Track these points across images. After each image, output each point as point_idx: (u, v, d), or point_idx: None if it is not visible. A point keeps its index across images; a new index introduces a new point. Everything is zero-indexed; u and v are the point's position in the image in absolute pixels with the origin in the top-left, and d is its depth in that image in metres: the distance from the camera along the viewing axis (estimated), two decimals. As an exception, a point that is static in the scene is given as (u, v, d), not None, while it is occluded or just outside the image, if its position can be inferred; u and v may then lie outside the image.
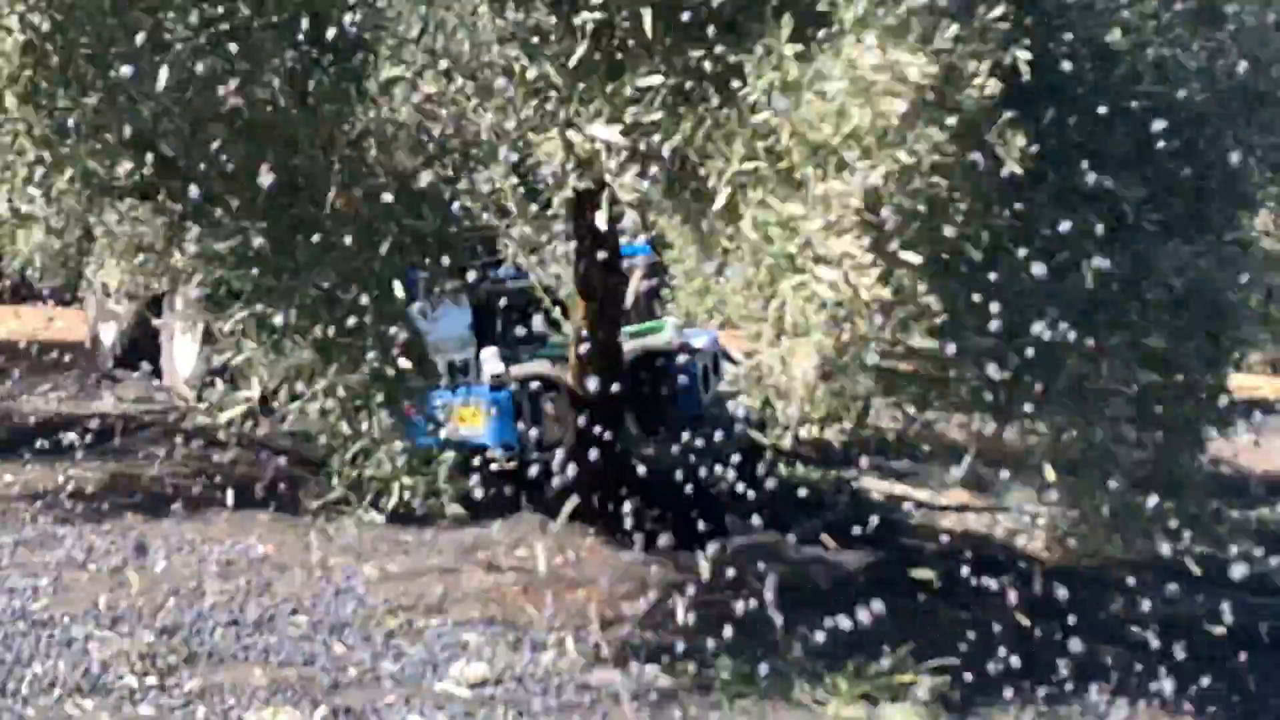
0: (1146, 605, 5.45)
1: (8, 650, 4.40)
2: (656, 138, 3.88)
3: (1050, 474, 4.48)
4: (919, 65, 3.10)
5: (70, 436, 7.09)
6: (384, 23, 4.65)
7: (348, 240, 4.44)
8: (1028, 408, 4.22)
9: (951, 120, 3.18)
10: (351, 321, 4.45)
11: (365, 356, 4.47)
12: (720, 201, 3.67)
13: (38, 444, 7.12)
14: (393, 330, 4.55)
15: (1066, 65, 3.84)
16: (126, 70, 3.95)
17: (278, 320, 4.45)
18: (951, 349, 3.51)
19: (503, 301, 7.19)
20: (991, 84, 3.22)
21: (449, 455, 4.78)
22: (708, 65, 3.86)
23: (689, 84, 3.92)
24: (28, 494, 6.42)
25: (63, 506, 6.21)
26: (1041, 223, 3.86)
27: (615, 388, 6.40)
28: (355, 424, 4.50)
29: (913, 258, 3.23)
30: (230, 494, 6.19)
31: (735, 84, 3.72)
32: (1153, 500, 4.39)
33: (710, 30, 3.78)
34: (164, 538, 5.85)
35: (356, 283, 4.48)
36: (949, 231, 3.28)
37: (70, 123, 4.11)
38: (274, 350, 4.51)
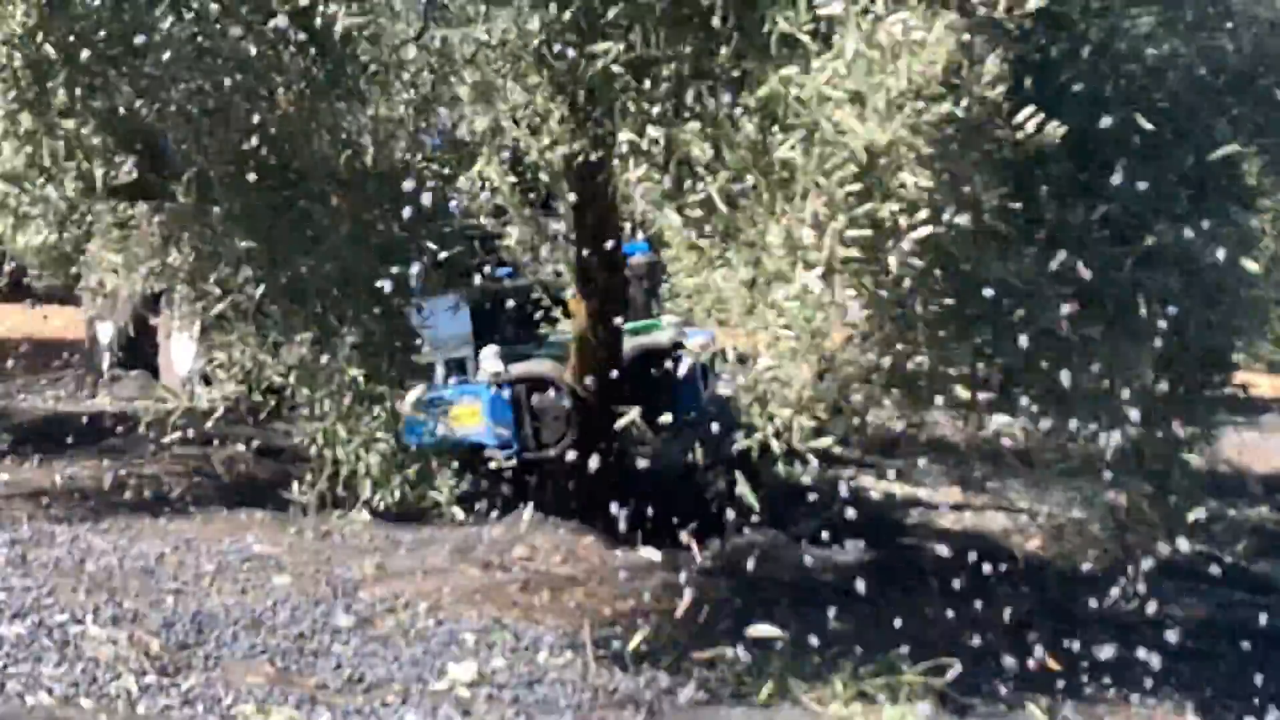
0: (1145, 604, 5.45)
1: (4, 650, 4.39)
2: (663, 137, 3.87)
3: (1048, 473, 4.48)
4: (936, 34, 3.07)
5: (67, 435, 7.09)
6: (383, 20, 4.64)
7: (343, 237, 4.43)
8: (1027, 406, 4.22)
9: (962, 103, 3.16)
10: (346, 319, 4.44)
11: (360, 354, 4.46)
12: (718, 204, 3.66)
13: (35, 443, 7.13)
14: (388, 328, 4.55)
15: (1068, 52, 3.85)
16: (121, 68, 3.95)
17: (272, 318, 4.45)
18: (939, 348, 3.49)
19: (502, 300, 7.18)
20: (998, 68, 3.20)
21: (446, 454, 4.78)
22: (713, 59, 3.84)
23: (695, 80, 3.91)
24: (25, 493, 6.42)
25: (60, 505, 6.21)
26: (1044, 213, 3.86)
27: (614, 387, 6.39)
28: (349, 422, 4.50)
29: (909, 244, 3.20)
30: (228, 493, 6.20)
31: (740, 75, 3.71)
32: (1153, 499, 4.39)
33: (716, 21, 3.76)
34: (161, 537, 5.85)
35: (352, 281, 4.47)
36: (952, 220, 3.26)
37: (67, 121, 4.10)
38: (267, 347, 4.50)
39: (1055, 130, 3.38)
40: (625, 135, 3.84)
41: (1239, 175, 4.45)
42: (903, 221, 3.20)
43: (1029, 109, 3.37)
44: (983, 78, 3.19)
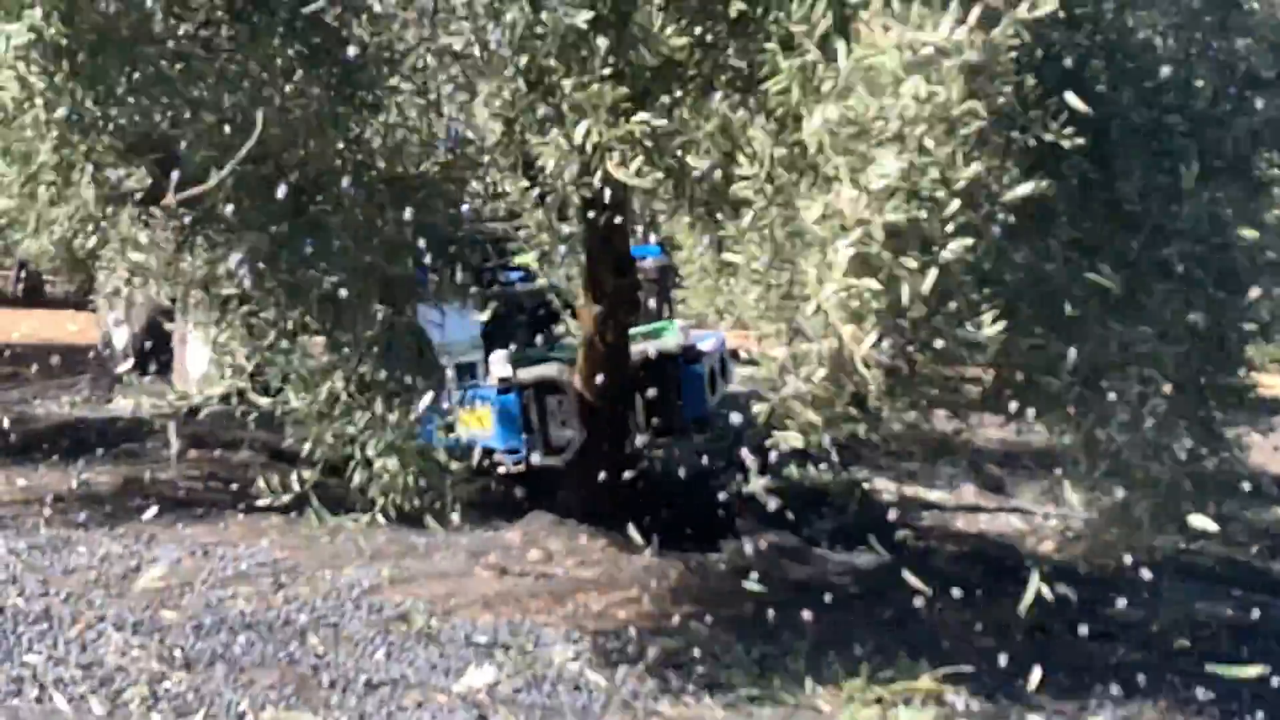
0: (1159, 606, 5.44)
1: (20, 653, 4.42)
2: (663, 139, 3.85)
3: (1065, 473, 4.46)
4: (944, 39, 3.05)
5: (84, 440, 7.12)
6: (392, 25, 4.65)
7: (355, 242, 4.44)
8: (1042, 407, 4.20)
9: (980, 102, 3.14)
10: (358, 322, 4.45)
11: (372, 358, 4.46)
12: (744, 220, 3.65)
13: (52, 448, 7.16)
14: (400, 332, 4.55)
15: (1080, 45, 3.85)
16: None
17: (286, 322, 4.46)
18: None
19: (513, 304, 7.20)
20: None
21: (457, 458, 4.78)
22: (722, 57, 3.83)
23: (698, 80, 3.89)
24: (41, 497, 6.45)
25: (76, 510, 6.24)
26: (1058, 207, 3.84)
27: (623, 391, 6.40)
28: (360, 425, 4.50)
29: (963, 241, 3.16)
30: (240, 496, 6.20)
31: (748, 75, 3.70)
32: (1167, 501, 4.36)
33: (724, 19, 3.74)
34: (177, 541, 5.88)
35: (363, 285, 4.47)
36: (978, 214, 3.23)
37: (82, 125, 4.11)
38: (280, 351, 4.51)
39: (1070, 134, 3.36)
40: (612, 132, 3.81)
41: (1251, 167, 4.45)
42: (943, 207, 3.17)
43: (1049, 102, 3.36)
44: (1004, 68, 3.16)
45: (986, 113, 3.14)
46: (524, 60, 4.08)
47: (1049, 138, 3.45)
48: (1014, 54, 3.19)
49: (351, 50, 4.25)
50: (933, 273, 3.17)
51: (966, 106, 3.10)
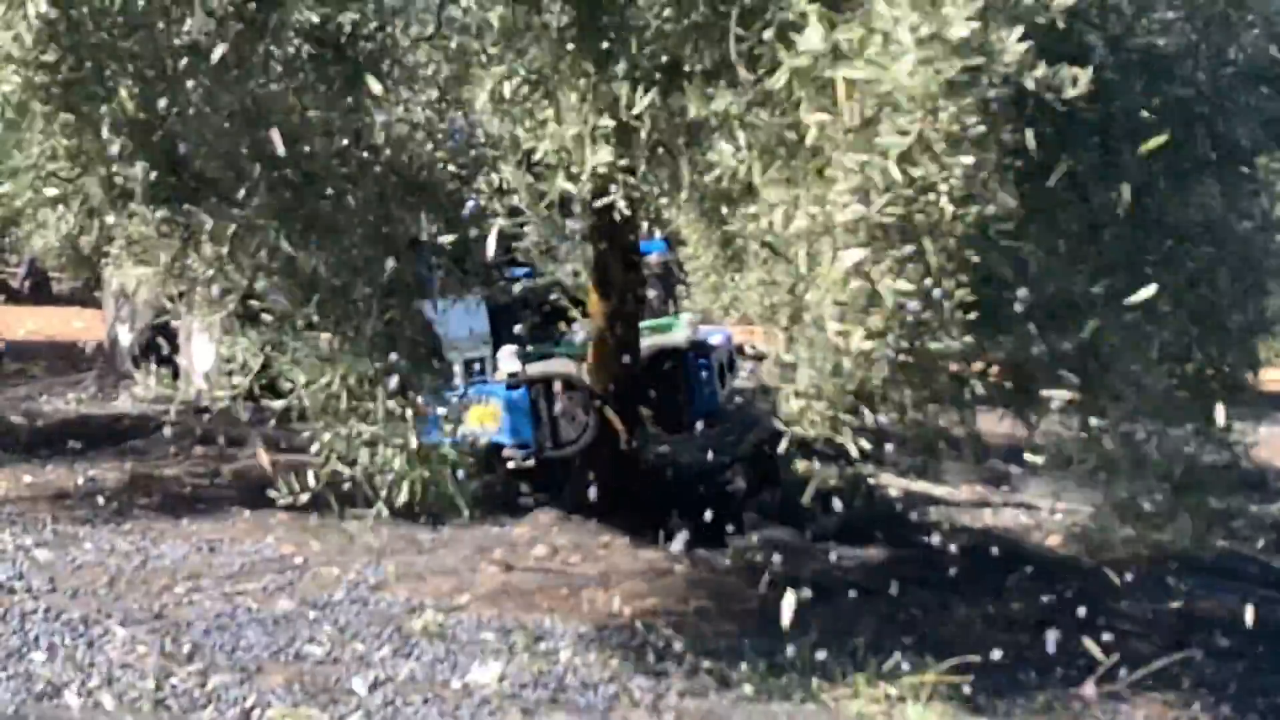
0: (1165, 600, 5.44)
1: (28, 650, 4.43)
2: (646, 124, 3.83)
3: (1070, 470, 4.45)
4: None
5: (89, 437, 7.13)
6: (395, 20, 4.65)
7: (360, 237, 4.45)
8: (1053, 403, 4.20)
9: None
10: (363, 317, 4.45)
11: (378, 354, 4.46)
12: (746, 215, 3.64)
13: (57, 445, 7.18)
14: (405, 326, 4.55)
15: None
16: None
17: (292, 319, 4.46)
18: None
19: (520, 300, 7.21)
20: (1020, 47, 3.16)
21: (464, 454, 4.78)
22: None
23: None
24: (47, 495, 6.47)
25: (82, 507, 6.25)
26: (1060, 201, 3.84)
27: (631, 386, 6.41)
28: (366, 422, 4.50)
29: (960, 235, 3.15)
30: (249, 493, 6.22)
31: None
32: (1174, 495, 4.36)
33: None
34: (183, 538, 5.89)
35: (369, 279, 4.48)
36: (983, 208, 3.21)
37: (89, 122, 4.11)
38: (284, 346, 4.51)
39: (1083, 81, 3.30)
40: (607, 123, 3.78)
41: (1255, 163, 4.45)
42: (944, 203, 3.15)
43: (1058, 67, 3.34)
44: (1009, 52, 3.14)
45: (986, 104, 3.13)
46: (517, 54, 4.07)
47: (1050, 127, 3.44)
48: (1020, 33, 3.17)
49: (356, 47, 4.25)
50: (924, 271, 3.17)
51: (968, 98, 3.09)
